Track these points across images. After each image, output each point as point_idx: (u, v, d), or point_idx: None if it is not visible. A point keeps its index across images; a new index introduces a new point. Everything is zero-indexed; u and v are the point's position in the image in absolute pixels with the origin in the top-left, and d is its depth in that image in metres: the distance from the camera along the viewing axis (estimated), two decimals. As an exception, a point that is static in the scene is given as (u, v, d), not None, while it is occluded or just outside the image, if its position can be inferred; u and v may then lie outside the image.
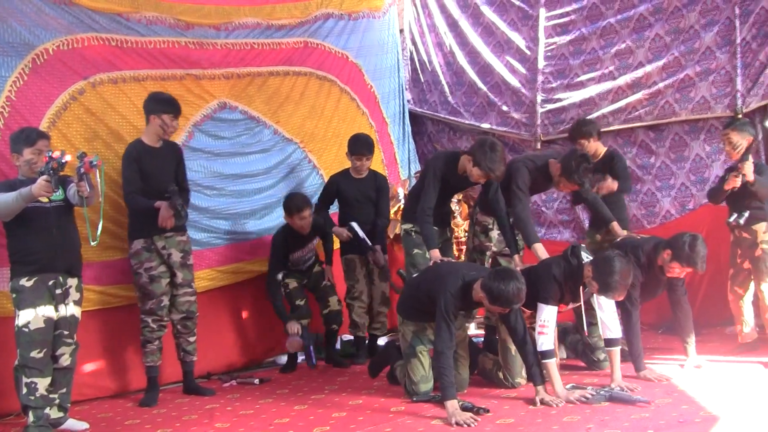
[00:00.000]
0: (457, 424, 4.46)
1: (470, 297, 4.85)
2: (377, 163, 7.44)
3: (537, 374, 4.88)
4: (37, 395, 4.75)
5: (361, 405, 5.17)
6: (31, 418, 4.76)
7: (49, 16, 5.69)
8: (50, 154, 4.60)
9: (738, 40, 6.62)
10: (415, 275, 5.64)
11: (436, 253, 5.45)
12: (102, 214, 4.99)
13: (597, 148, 6.25)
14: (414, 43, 8.82)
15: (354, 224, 6.51)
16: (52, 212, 4.88)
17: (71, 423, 5.00)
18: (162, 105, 5.63)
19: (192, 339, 5.77)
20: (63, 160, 4.57)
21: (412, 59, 8.83)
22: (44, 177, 4.55)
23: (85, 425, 5.05)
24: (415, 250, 5.87)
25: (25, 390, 4.75)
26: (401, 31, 8.64)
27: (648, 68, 7.10)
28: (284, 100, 7.08)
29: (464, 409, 4.65)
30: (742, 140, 5.67)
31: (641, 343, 5.33)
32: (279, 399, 5.51)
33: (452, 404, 4.63)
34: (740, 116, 6.46)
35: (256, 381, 6.06)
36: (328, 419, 4.85)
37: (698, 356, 5.51)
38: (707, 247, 5.21)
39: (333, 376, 6.14)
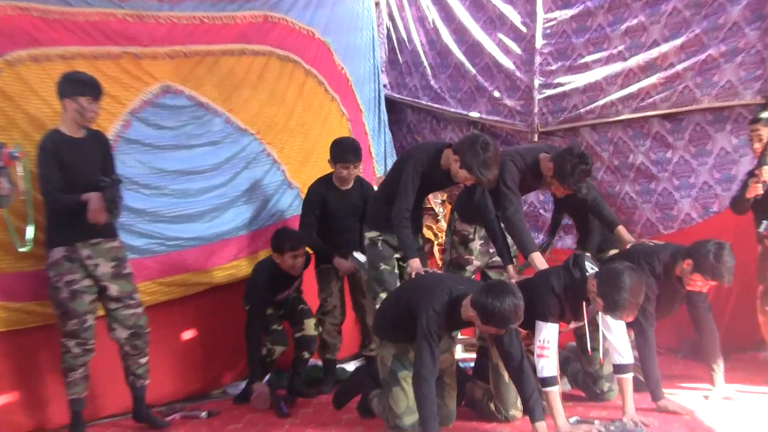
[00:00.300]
0: None
1: (458, 315, 4.64)
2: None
3: (536, 408, 4.65)
4: None
5: (329, 443, 5.05)
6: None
7: (-44, -19, 5.48)
8: None
9: (771, 15, 6.53)
10: (394, 288, 5.48)
11: (416, 263, 5.21)
12: (32, 216, 4.84)
13: None
14: (392, 18, 8.81)
15: (357, 254, 6.32)
16: None
17: None
18: (77, 86, 5.31)
19: (143, 360, 5.52)
20: None
21: (389, 37, 8.81)
22: None
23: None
24: (383, 266, 5.61)
25: None
26: (377, 4, 8.59)
27: (664, 48, 7.02)
28: (239, 84, 6.89)
29: None
30: None
31: (658, 369, 5.22)
32: (230, 436, 5.31)
33: None
34: (773, 103, 6.44)
35: (203, 414, 5.83)
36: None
37: (727, 386, 5.37)
38: (735, 256, 5.06)
39: (295, 407, 5.91)
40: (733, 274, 5.02)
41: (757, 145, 5.65)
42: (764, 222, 5.61)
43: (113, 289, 5.37)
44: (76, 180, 5.23)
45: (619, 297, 4.56)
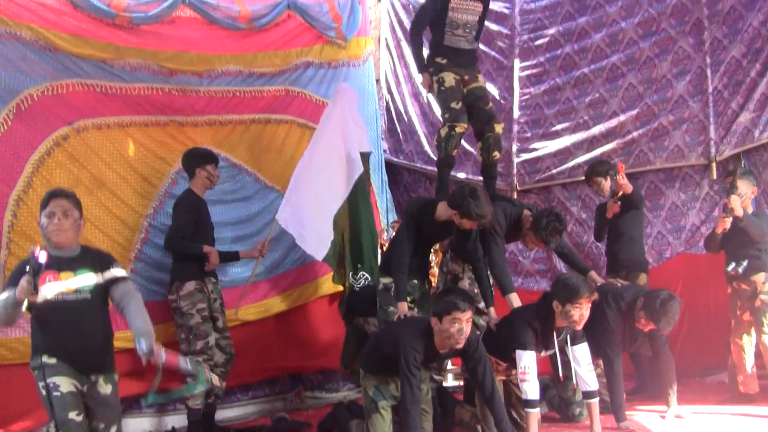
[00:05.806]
0: None
1: (432, 346, 4.91)
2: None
3: (507, 430, 4.86)
4: None
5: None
6: None
7: (34, 62, 6.04)
8: (34, 249, 4.06)
9: (710, 89, 7.06)
10: (380, 329, 5.76)
11: (403, 307, 5.46)
12: None
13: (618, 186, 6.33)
14: (390, 92, 9.28)
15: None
16: None
17: None
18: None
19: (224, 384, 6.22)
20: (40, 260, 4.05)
21: (387, 109, 9.26)
22: (25, 277, 4.02)
23: None
24: (392, 308, 5.63)
25: None
26: (377, 81, 8.98)
27: (622, 117, 7.53)
28: (265, 148, 7.39)
29: None
30: (747, 190, 5.90)
31: (623, 394, 5.45)
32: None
33: None
34: (714, 164, 6.95)
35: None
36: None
37: (680, 406, 5.58)
38: (687, 296, 5.66)
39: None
40: (671, 325, 5.23)
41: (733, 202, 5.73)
42: (732, 263, 5.78)
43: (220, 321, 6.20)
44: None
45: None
